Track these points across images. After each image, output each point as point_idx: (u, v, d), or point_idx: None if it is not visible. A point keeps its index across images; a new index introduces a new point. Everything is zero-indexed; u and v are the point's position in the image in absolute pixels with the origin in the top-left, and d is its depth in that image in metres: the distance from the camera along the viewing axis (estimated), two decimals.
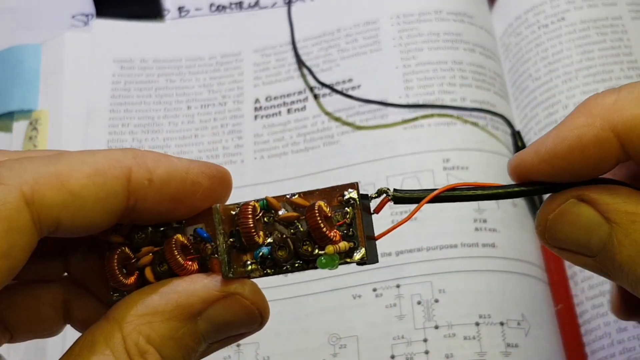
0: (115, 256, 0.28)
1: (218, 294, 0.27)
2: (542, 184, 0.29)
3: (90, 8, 0.61)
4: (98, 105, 0.55)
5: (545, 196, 0.30)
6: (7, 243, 0.24)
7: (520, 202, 0.49)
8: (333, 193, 0.27)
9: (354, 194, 0.27)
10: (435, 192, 0.28)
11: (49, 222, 0.25)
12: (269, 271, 0.28)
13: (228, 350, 0.45)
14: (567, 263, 0.47)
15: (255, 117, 0.54)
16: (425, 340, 0.43)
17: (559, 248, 0.30)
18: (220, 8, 0.61)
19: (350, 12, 0.57)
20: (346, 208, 0.27)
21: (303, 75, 0.56)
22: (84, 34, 0.59)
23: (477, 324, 0.43)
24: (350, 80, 0.54)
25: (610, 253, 0.28)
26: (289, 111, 0.54)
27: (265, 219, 0.28)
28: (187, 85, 0.56)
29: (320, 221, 0.26)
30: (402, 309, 0.44)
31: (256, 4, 0.60)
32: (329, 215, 0.27)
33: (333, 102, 0.54)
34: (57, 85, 0.56)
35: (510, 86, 0.55)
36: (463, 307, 0.44)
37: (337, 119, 0.53)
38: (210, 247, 0.28)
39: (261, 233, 0.27)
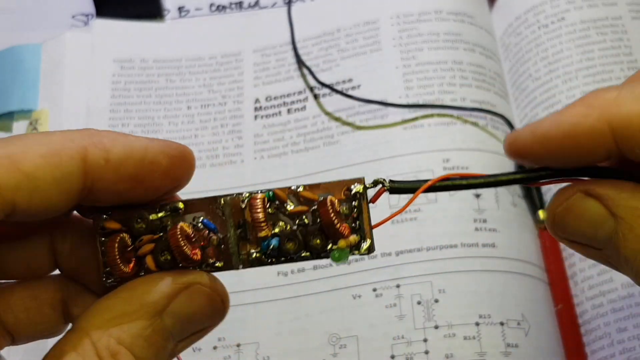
0: (116, 243, 0.28)
1: (179, 286, 0.27)
2: (534, 171, 0.30)
3: (90, 8, 0.61)
4: (98, 105, 0.55)
5: (548, 192, 0.31)
6: None
7: (520, 202, 0.49)
8: (339, 187, 0.28)
9: (360, 188, 0.28)
10: (429, 182, 0.29)
11: (3, 205, 0.24)
12: (274, 261, 0.28)
13: (228, 350, 0.45)
14: (567, 263, 0.47)
15: (255, 117, 0.54)
16: (425, 340, 0.43)
17: (568, 240, 0.30)
18: (220, 8, 0.61)
19: (350, 12, 0.57)
20: (353, 202, 0.28)
21: (303, 75, 0.56)
22: (84, 34, 0.59)
23: (477, 324, 0.43)
24: (350, 80, 0.54)
25: (615, 246, 0.28)
26: (289, 111, 0.54)
27: (269, 210, 0.28)
28: (187, 85, 0.56)
29: (334, 217, 0.27)
30: (402, 309, 0.44)
31: (256, 4, 0.60)
32: (338, 209, 0.27)
33: (333, 102, 0.54)
34: (57, 85, 0.56)
35: (510, 86, 0.55)
36: (463, 307, 0.44)
37: (337, 119, 0.53)
38: (216, 237, 0.28)
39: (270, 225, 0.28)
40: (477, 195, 0.47)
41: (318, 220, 0.28)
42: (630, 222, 0.28)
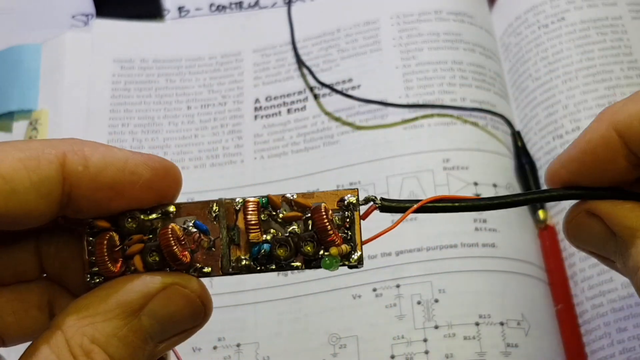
0: (105, 241, 0.28)
1: (157, 287, 0.27)
2: (522, 195, 0.31)
3: (90, 8, 0.61)
4: (98, 105, 0.55)
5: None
6: None
7: None
8: (332, 197, 0.28)
9: (354, 199, 0.28)
10: (420, 203, 0.29)
11: None
12: (263, 267, 0.28)
13: (228, 350, 0.45)
14: (567, 263, 0.47)
15: (255, 117, 0.54)
16: (425, 340, 0.43)
17: (588, 251, 0.32)
18: (220, 8, 0.61)
19: (350, 12, 0.57)
20: (346, 212, 0.28)
21: (303, 75, 0.56)
22: (84, 34, 0.59)
23: (477, 324, 0.43)
24: (350, 80, 0.54)
25: (622, 260, 0.30)
26: (289, 111, 0.54)
27: (262, 217, 0.28)
28: (187, 85, 0.56)
29: (328, 224, 0.27)
30: (402, 309, 0.44)
31: (256, 4, 0.60)
32: (331, 218, 0.28)
33: (333, 102, 0.54)
34: (57, 85, 0.56)
35: (510, 86, 0.55)
36: (463, 307, 0.44)
37: (337, 119, 0.53)
38: (207, 240, 0.28)
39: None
40: (478, 195, 0.47)
41: (310, 228, 0.28)
42: (627, 241, 0.29)
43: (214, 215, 0.28)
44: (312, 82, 0.55)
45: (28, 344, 0.27)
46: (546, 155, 0.50)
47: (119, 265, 0.28)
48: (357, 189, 0.28)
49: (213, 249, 0.28)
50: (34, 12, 0.61)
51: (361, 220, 0.29)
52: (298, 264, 0.28)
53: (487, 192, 0.48)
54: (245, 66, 0.57)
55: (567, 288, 0.46)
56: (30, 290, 0.30)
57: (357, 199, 0.28)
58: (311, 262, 0.28)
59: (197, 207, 0.28)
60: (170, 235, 0.28)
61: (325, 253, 0.28)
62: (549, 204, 0.49)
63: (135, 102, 0.55)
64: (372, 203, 0.29)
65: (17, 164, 0.25)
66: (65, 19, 0.61)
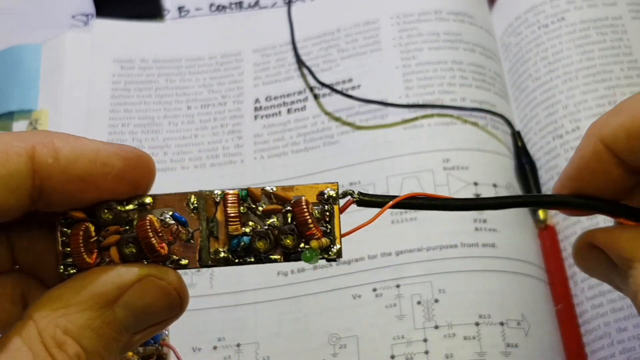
0: (81, 232, 0.28)
1: (132, 278, 0.27)
2: (502, 198, 0.33)
3: (90, 8, 0.61)
4: (98, 105, 0.55)
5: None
6: None
7: None
8: (312, 191, 0.28)
9: (333, 193, 0.28)
10: (397, 199, 0.29)
11: None
12: (242, 260, 0.28)
13: (228, 350, 0.45)
14: (567, 263, 0.47)
15: (255, 117, 0.54)
16: (425, 340, 0.43)
17: (597, 278, 0.34)
18: (220, 8, 0.61)
19: (350, 12, 0.57)
20: (325, 205, 0.28)
21: (303, 75, 0.56)
22: (84, 34, 0.59)
23: (477, 324, 0.43)
24: (350, 80, 0.54)
25: (627, 288, 0.30)
26: (289, 111, 0.54)
27: (241, 209, 0.28)
28: (187, 85, 0.56)
29: (309, 217, 0.28)
30: (402, 309, 0.44)
31: (256, 4, 0.60)
32: (311, 211, 0.28)
33: (333, 102, 0.54)
34: (57, 85, 0.56)
35: (510, 86, 0.55)
36: (463, 307, 0.44)
37: (337, 119, 0.53)
38: (185, 232, 0.28)
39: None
40: (477, 195, 0.47)
41: (290, 221, 0.28)
42: (626, 272, 0.30)
43: (192, 207, 0.28)
44: (312, 82, 0.55)
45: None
46: (546, 155, 0.50)
47: (94, 256, 0.28)
48: (337, 183, 0.28)
49: (192, 241, 0.28)
50: (34, 12, 0.61)
51: (341, 214, 0.28)
52: (277, 257, 0.28)
53: (487, 192, 0.48)
54: (245, 66, 0.57)
55: (567, 288, 0.46)
56: (2, 283, 0.30)
57: (337, 193, 0.28)
58: (290, 255, 0.28)
59: (174, 198, 0.28)
60: (148, 227, 0.27)
61: (306, 246, 0.28)
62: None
63: (135, 102, 0.55)
64: (349, 197, 0.29)
65: None
66: (65, 19, 0.60)
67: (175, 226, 0.28)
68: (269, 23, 0.59)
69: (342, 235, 0.28)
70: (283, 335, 0.45)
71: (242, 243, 0.28)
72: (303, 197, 0.28)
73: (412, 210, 0.47)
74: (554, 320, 0.45)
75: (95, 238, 0.28)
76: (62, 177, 0.27)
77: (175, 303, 0.28)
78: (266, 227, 0.28)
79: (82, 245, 0.28)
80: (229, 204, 0.28)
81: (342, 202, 0.29)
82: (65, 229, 0.28)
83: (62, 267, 0.28)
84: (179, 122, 0.54)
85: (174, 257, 0.28)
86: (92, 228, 0.28)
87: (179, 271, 0.28)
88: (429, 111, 0.51)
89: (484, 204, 0.32)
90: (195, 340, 0.46)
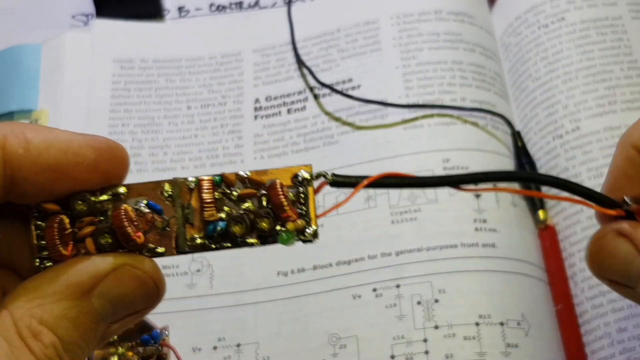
0: (56, 224, 0.28)
1: (107, 267, 0.27)
2: (473, 175, 0.31)
3: (90, 8, 0.61)
4: (98, 105, 0.55)
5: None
6: None
7: (520, 202, 0.49)
8: (286, 173, 0.28)
9: (307, 175, 0.28)
10: (370, 179, 0.29)
11: None
12: (219, 245, 0.28)
13: (228, 351, 0.45)
14: (567, 263, 0.47)
15: (255, 117, 0.54)
16: (425, 341, 0.43)
17: (608, 280, 0.33)
18: (220, 8, 0.61)
19: (350, 12, 0.57)
20: (300, 187, 0.28)
21: (303, 75, 0.56)
22: (84, 34, 0.59)
23: (477, 324, 0.43)
24: (350, 80, 0.54)
25: None
26: (289, 111, 0.54)
27: (216, 195, 0.28)
28: (187, 85, 0.56)
29: (284, 199, 0.28)
30: (402, 309, 0.44)
31: (256, 4, 0.60)
32: (286, 194, 0.28)
33: (333, 102, 0.54)
34: (57, 85, 0.56)
35: (510, 86, 0.55)
36: (463, 307, 0.44)
37: (337, 119, 0.53)
38: (160, 220, 0.28)
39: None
40: (477, 195, 0.47)
41: (265, 204, 0.28)
42: None
43: (167, 195, 0.28)
44: (312, 82, 0.55)
45: None
46: (546, 155, 0.50)
47: (69, 248, 0.28)
48: (311, 165, 0.29)
49: (167, 228, 0.28)
50: (34, 12, 0.61)
51: (315, 196, 0.29)
52: (254, 240, 0.28)
53: (487, 192, 0.48)
54: (245, 66, 0.57)
55: (567, 288, 0.46)
56: None
57: (311, 174, 0.28)
58: (267, 239, 0.28)
59: (148, 187, 0.28)
60: (123, 216, 0.27)
61: (282, 228, 0.28)
62: (549, 204, 0.49)
63: (135, 102, 0.55)
64: (323, 178, 0.29)
65: None
66: (65, 19, 0.60)
67: (151, 215, 0.28)
68: (269, 23, 0.59)
69: (317, 217, 0.28)
70: (283, 335, 0.45)
71: (219, 228, 0.28)
72: (277, 180, 0.28)
73: (413, 210, 0.47)
74: (554, 320, 0.45)
75: (70, 230, 0.28)
76: (33, 167, 0.26)
77: (151, 292, 0.28)
78: (242, 212, 0.28)
79: (57, 237, 0.28)
80: (204, 190, 0.28)
81: (316, 184, 0.29)
82: (39, 222, 0.28)
83: (37, 260, 0.28)
84: (179, 122, 0.54)
85: (151, 245, 0.28)
86: (67, 220, 0.28)
87: (156, 260, 0.28)
88: (429, 111, 0.51)
89: (456, 179, 0.31)
90: (195, 340, 0.46)
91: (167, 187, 0.28)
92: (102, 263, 0.27)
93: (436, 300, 0.44)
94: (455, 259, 0.46)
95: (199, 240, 0.28)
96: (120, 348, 0.43)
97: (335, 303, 0.46)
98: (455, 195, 0.48)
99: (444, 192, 0.48)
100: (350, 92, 0.53)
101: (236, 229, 0.28)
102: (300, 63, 0.56)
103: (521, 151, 0.50)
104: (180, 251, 0.28)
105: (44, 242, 0.28)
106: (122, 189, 0.28)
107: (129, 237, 0.27)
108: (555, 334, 0.45)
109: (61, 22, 0.60)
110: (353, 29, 0.57)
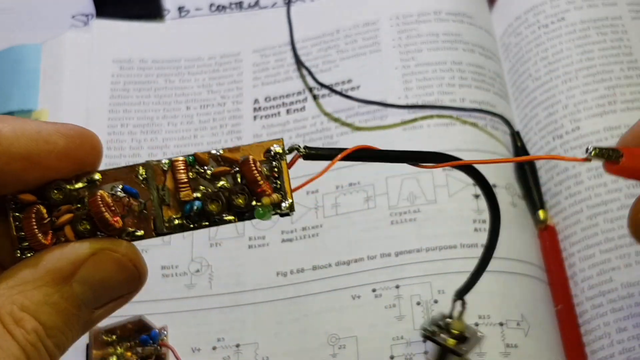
0: (33, 215, 0.28)
1: (86, 252, 0.27)
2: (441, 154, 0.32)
3: (90, 8, 0.61)
4: (97, 105, 0.55)
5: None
6: None
7: (520, 202, 0.49)
8: (259, 149, 0.28)
9: (279, 149, 0.28)
10: (345, 152, 0.30)
11: None
12: (197, 225, 0.28)
13: (227, 351, 0.45)
14: (567, 263, 0.47)
15: (255, 117, 0.54)
16: (424, 341, 0.43)
17: None
18: (220, 8, 0.61)
19: (349, 13, 0.57)
20: (273, 162, 0.28)
21: (302, 76, 0.56)
22: (84, 34, 0.59)
23: (477, 324, 0.43)
24: (349, 81, 0.54)
25: None
26: (288, 112, 0.54)
27: (190, 175, 0.28)
28: (186, 85, 0.56)
29: (257, 174, 0.28)
30: (401, 310, 0.44)
31: (256, 4, 0.60)
32: (260, 169, 0.28)
33: (332, 102, 0.54)
34: (57, 86, 0.56)
35: (510, 86, 0.55)
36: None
37: (337, 120, 0.53)
38: (137, 203, 0.28)
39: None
40: (477, 196, 0.47)
41: (240, 181, 0.28)
42: None
43: (142, 178, 0.28)
44: (312, 83, 0.55)
45: None
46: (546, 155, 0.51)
47: (49, 237, 0.28)
48: (282, 139, 0.29)
49: (144, 211, 0.28)
50: (34, 12, 0.61)
51: (289, 170, 0.29)
52: (231, 217, 0.28)
53: None
54: (244, 66, 0.57)
55: (567, 288, 0.46)
56: None
57: (283, 149, 0.28)
58: (244, 214, 0.28)
59: (123, 172, 0.28)
60: (100, 202, 0.27)
61: (258, 203, 0.28)
62: (549, 204, 0.49)
63: (134, 103, 0.55)
64: (296, 152, 0.29)
65: None
66: (65, 19, 0.61)
67: (127, 198, 0.28)
68: (269, 23, 0.59)
69: (292, 190, 0.29)
70: (282, 336, 0.45)
71: (195, 208, 0.28)
72: (250, 156, 0.28)
73: (412, 211, 0.47)
74: (554, 320, 0.45)
75: (49, 219, 0.28)
76: (4, 157, 0.26)
77: (132, 275, 0.28)
78: (217, 190, 0.28)
79: (35, 227, 0.28)
80: (178, 171, 0.28)
81: (289, 158, 0.29)
82: (17, 214, 0.28)
83: (18, 251, 0.28)
84: (178, 123, 0.54)
85: (130, 229, 0.28)
86: (44, 210, 0.28)
87: (137, 243, 0.28)
88: (428, 112, 0.51)
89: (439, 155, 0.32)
90: (195, 340, 0.46)
91: (141, 170, 0.28)
92: (80, 248, 0.27)
93: (435, 301, 0.44)
94: (455, 260, 0.46)
95: (177, 221, 0.28)
96: (118, 348, 0.43)
97: (334, 303, 0.46)
98: (454, 196, 0.48)
99: (444, 192, 0.48)
100: (349, 93, 0.53)
101: (212, 207, 0.28)
102: (299, 63, 0.56)
103: (521, 151, 0.50)
104: (158, 233, 0.28)
105: (23, 233, 0.28)
106: (97, 176, 0.28)
107: (107, 222, 0.28)
108: (555, 334, 0.45)
109: (61, 22, 0.60)
110: (352, 29, 0.57)
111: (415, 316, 0.44)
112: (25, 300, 0.26)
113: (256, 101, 0.55)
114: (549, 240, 0.48)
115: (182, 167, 0.28)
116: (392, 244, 0.47)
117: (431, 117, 0.51)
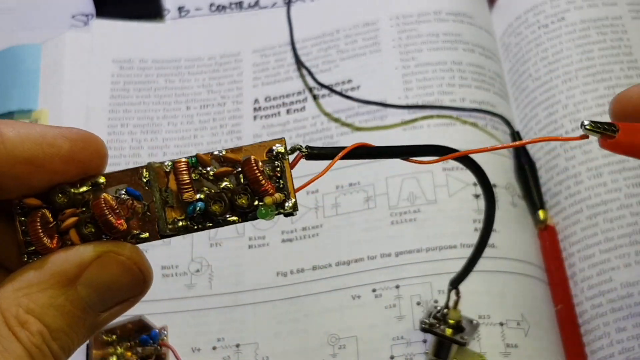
0: (38, 219, 0.28)
1: (90, 255, 0.27)
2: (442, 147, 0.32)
3: (90, 8, 0.61)
4: (97, 105, 0.55)
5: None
6: None
7: (520, 202, 0.49)
8: (261, 149, 0.28)
9: (282, 149, 0.28)
10: (346, 150, 0.30)
11: None
12: (201, 226, 0.28)
13: (227, 351, 0.45)
14: (567, 263, 0.47)
15: (255, 117, 0.54)
16: (424, 341, 0.43)
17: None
18: (220, 8, 0.61)
19: (349, 13, 0.57)
20: (275, 162, 0.28)
21: (302, 76, 0.56)
22: (84, 34, 0.59)
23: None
24: (349, 81, 0.54)
25: None
26: (288, 112, 0.54)
27: (193, 176, 0.28)
28: (186, 85, 0.56)
29: (259, 174, 0.28)
30: (401, 310, 0.44)
31: (256, 4, 0.60)
32: (262, 169, 0.28)
33: (332, 102, 0.54)
34: (57, 85, 0.56)
35: (510, 86, 0.55)
36: (462, 307, 0.44)
37: (337, 120, 0.53)
38: (140, 205, 0.28)
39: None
40: (477, 196, 0.47)
41: (242, 181, 0.28)
42: None
43: (145, 180, 0.28)
44: (312, 83, 0.55)
45: None
46: (546, 155, 0.50)
47: (55, 241, 0.28)
48: (284, 138, 0.29)
49: (148, 213, 0.28)
50: (34, 12, 0.61)
51: (291, 169, 0.29)
52: (234, 218, 0.28)
53: None
54: (244, 66, 0.57)
55: (567, 288, 0.46)
56: None
57: (285, 148, 0.28)
58: (247, 215, 0.28)
59: (126, 175, 0.28)
60: (103, 205, 0.27)
61: (260, 203, 0.28)
62: (549, 204, 0.49)
63: (134, 103, 0.55)
64: (298, 152, 0.29)
65: None
66: (65, 19, 0.61)
67: (131, 201, 0.28)
68: (269, 23, 0.59)
69: (295, 190, 0.29)
70: (282, 336, 0.45)
71: (198, 209, 0.28)
72: (252, 156, 0.28)
73: (412, 211, 0.47)
74: (554, 320, 0.45)
75: (54, 223, 0.28)
76: (9, 160, 0.27)
77: (137, 278, 0.28)
78: (219, 190, 0.28)
79: (40, 231, 0.28)
80: (180, 172, 0.28)
81: (292, 158, 0.29)
82: (23, 218, 0.28)
83: (25, 256, 0.28)
84: (178, 123, 0.54)
85: (134, 231, 0.28)
86: (49, 214, 0.28)
87: (141, 246, 0.28)
88: (428, 112, 0.51)
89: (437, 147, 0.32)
90: (195, 340, 0.46)
91: (144, 172, 0.28)
92: (85, 251, 0.27)
93: (436, 301, 0.44)
94: (455, 260, 0.46)
95: (181, 223, 0.28)
96: (119, 348, 0.43)
97: (334, 303, 0.46)
98: (454, 196, 0.48)
99: (444, 192, 0.48)
100: (349, 93, 0.53)
101: (215, 208, 0.28)
102: (299, 64, 0.56)
103: (521, 151, 0.50)
104: (162, 235, 0.28)
105: (29, 238, 0.28)
106: (101, 179, 0.28)
107: (111, 225, 0.28)
108: (555, 334, 0.45)
109: (61, 22, 0.60)
110: (352, 29, 0.57)
111: (415, 316, 0.44)
112: (30, 302, 0.26)
113: (256, 101, 0.55)
114: (548, 240, 0.48)
115: (185, 169, 0.28)
116: (392, 244, 0.47)
117: (431, 117, 0.51)
